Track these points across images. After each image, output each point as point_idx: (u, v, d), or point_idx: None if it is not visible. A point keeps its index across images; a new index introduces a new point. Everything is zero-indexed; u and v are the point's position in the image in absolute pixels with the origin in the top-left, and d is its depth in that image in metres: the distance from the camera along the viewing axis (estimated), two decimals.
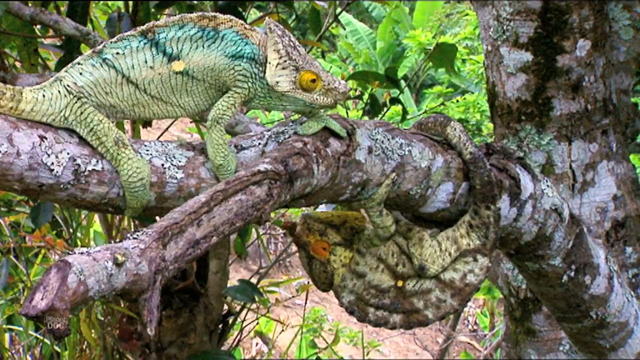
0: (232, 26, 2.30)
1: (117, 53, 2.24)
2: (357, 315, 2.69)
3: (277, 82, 2.31)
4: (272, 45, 2.30)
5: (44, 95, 2.21)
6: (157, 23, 2.27)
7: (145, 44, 2.25)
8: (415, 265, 2.63)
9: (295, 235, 2.63)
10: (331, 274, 2.62)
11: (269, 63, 2.31)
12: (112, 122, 2.27)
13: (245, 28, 2.31)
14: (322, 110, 2.39)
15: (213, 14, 2.30)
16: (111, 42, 2.25)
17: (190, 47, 2.27)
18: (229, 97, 2.30)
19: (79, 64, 2.25)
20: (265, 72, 2.31)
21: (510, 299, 4.05)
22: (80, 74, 2.24)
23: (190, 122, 2.44)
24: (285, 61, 2.31)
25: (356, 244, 2.63)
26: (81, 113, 2.22)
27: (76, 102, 2.22)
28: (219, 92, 2.32)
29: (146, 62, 2.25)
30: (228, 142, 2.36)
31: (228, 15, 2.31)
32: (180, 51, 2.26)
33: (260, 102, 2.36)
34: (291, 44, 2.32)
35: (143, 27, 2.26)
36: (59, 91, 2.22)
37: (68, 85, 2.23)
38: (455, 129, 2.66)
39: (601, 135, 3.78)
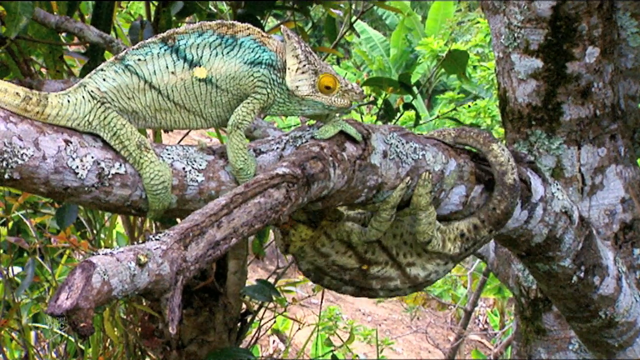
0: (249, 34, 2.33)
1: (139, 59, 2.27)
2: (313, 278, 2.71)
3: (297, 87, 2.34)
4: (291, 51, 2.34)
5: (68, 101, 2.24)
6: (177, 30, 2.30)
7: (165, 50, 2.28)
8: (422, 239, 2.61)
9: None
10: (287, 244, 2.61)
11: (288, 69, 2.34)
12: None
13: (263, 36, 2.34)
14: (337, 115, 2.41)
15: (231, 22, 2.33)
16: (133, 49, 2.29)
17: (210, 54, 2.30)
18: (248, 102, 2.33)
19: (102, 70, 2.28)
20: (283, 78, 2.34)
21: (521, 299, 4.05)
22: (104, 80, 2.27)
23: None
24: (304, 65, 2.34)
25: (326, 228, 2.63)
26: (104, 118, 2.25)
27: (100, 107, 2.25)
28: (240, 103, 2.35)
29: (167, 67, 2.28)
30: (247, 146, 2.38)
31: (246, 24, 2.35)
32: (201, 58, 2.29)
33: (280, 108, 2.39)
34: (307, 49, 2.36)
35: (163, 34, 2.30)
36: (83, 96, 2.25)
37: (92, 91, 2.26)
38: (504, 150, 2.67)
39: (609, 139, 3.78)
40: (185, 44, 2.29)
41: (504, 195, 2.67)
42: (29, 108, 2.19)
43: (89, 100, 2.26)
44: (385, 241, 2.67)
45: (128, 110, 2.29)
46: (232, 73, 2.32)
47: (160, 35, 2.30)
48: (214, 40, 2.31)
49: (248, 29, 2.34)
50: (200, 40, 2.31)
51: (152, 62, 2.28)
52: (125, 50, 2.30)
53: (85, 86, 2.27)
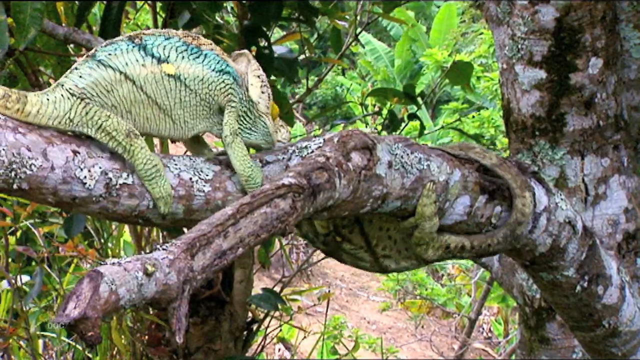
0: (212, 49, 2.38)
1: (109, 54, 2.28)
2: (327, 250, 2.75)
3: (259, 102, 2.43)
4: (253, 71, 2.43)
5: (47, 99, 2.22)
6: (144, 31, 2.34)
7: (133, 47, 2.30)
8: (417, 242, 2.66)
9: None
10: None
11: (251, 85, 2.42)
12: None
13: (223, 54, 2.41)
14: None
15: (196, 35, 2.39)
16: (102, 47, 2.30)
17: (177, 56, 2.33)
18: (230, 112, 2.39)
19: (76, 69, 2.28)
20: (244, 94, 2.42)
21: (525, 308, 4.04)
22: (80, 77, 2.26)
23: (217, 138, 2.50)
24: (264, 86, 2.44)
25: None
26: (86, 113, 2.24)
27: (80, 104, 2.24)
28: (209, 111, 2.40)
29: (137, 60, 2.29)
30: (254, 156, 2.43)
31: (209, 40, 2.41)
32: (168, 57, 2.32)
33: (239, 124, 2.45)
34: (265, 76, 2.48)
35: (130, 34, 2.33)
36: (62, 95, 2.24)
37: (70, 89, 2.25)
38: (532, 203, 2.72)
39: (613, 150, 3.77)
40: (152, 44, 2.32)
41: (506, 241, 2.72)
42: (9, 105, 2.18)
43: (68, 98, 2.24)
44: (369, 229, 2.69)
45: (107, 104, 2.28)
46: (201, 76, 2.36)
47: (127, 35, 2.33)
48: (180, 46, 2.35)
49: (211, 44, 2.40)
50: (167, 43, 2.34)
51: (122, 56, 2.30)
52: (94, 49, 2.32)
53: (62, 85, 2.26)
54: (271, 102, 2.47)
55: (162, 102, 2.33)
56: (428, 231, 2.61)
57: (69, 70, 2.29)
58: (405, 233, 2.69)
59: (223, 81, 2.38)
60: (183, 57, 2.34)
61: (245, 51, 2.48)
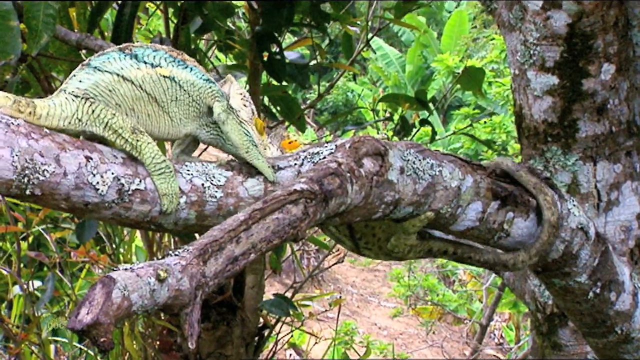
0: (196, 65, 2.45)
1: (103, 62, 2.34)
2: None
3: (240, 110, 2.47)
4: (237, 89, 2.50)
5: (54, 103, 2.27)
6: (132, 44, 2.39)
7: (125, 55, 2.36)
8: (391, 248, 2.72)
9: None
10: None
11: (233, 98, 2.48)
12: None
13: (206, 72, 2.48)
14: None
15: (181, 52, 2.46)
16: (95, 57, 2.36)
17: (168, 64, 2.39)
18: (219, 102, 2.45)
19: (74, 76, 2.33)
20: (227, 105, 2.46)
21: (537, 314, 4.01)
22: (80, 81, 2.32)
23: (203, 143, 2.55)
24: (246, 101, 2.49)
25: None
26: (92, 111, 2.28)
27: (85, 103, 2.28)
28: (198, 112, 2.44)
29: (132, 65, 2.35)
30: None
31: (192, 58, 2.48)
32: (159, 63, 2.38)
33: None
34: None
35: (120, 46, 2.38)
36: (66, 98, 2.29)
37: (73, 91, 2.30)
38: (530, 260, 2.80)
39: (625, 156, 3.74)
40: (142, 54, 2.38)
41: (485, 264, 2.79)
42: (21, 109, 2.21)
43: (73, 100, 2.29)
44: (355, 224, 2.71)
45: (112, 102, 2.32)
46: (191, 80, 2.42)
47: (117, 47, 2.38)
48: (168, 57, 2.41)
49: (194, 61, 2.46)
50: (155, 54, 2.40)
51: (116, 62, 2.35)
52: (88, 59, 2.37)
53: (64, 90, 2.31)
54: (255, 116, 2.51)
55: (160, 98, 2.38)
56: (402, 242, 2.65)
57: (67, 79, 2.34)
58: (389, 234, 2.72)
59: (210, 87, 2.44)
60: (173, 65, 2.41)
61: (229, 76, 2.56)
